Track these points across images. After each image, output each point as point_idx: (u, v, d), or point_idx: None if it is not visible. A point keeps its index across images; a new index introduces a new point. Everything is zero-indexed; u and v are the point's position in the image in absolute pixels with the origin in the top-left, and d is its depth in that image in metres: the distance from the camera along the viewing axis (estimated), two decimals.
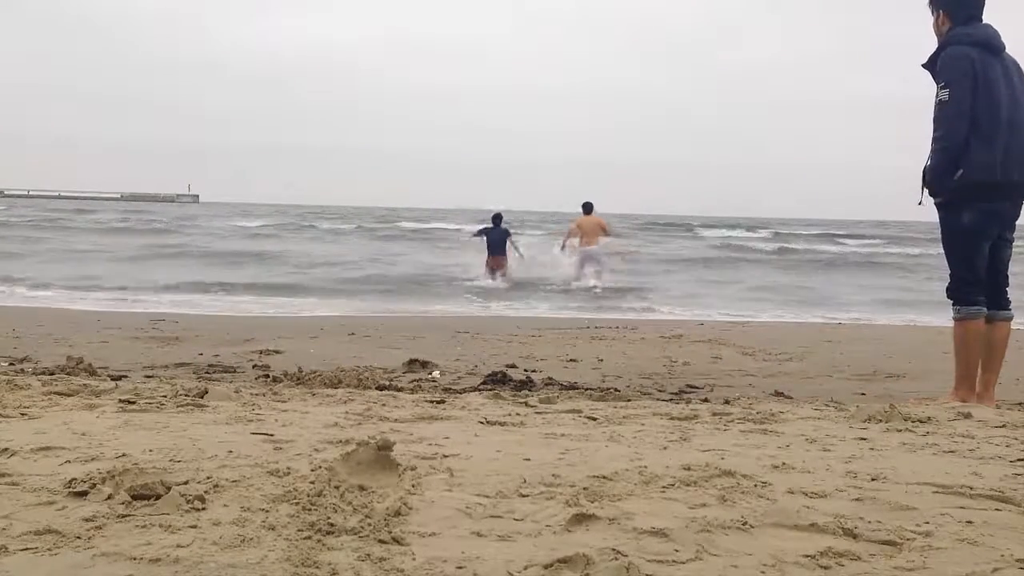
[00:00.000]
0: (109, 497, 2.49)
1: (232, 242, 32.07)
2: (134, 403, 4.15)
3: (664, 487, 2.79)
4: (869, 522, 2.48)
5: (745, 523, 2.43)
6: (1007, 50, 5.26)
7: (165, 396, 4.42)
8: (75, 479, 2.64)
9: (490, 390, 5.62)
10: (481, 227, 19.06)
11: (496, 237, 17.89)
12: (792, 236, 48.58)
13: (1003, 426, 4.20)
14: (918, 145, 5.46)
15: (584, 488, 2.73)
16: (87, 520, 2.33)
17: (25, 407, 3.99)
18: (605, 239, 17.74)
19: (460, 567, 2.06)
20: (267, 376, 6.22)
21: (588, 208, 17.53)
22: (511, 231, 18.40)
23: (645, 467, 3.05)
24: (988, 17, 5.31)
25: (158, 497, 2.47)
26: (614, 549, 2.17)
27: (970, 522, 2.52)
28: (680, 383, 6.55)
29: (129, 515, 2.38)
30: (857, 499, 2.73)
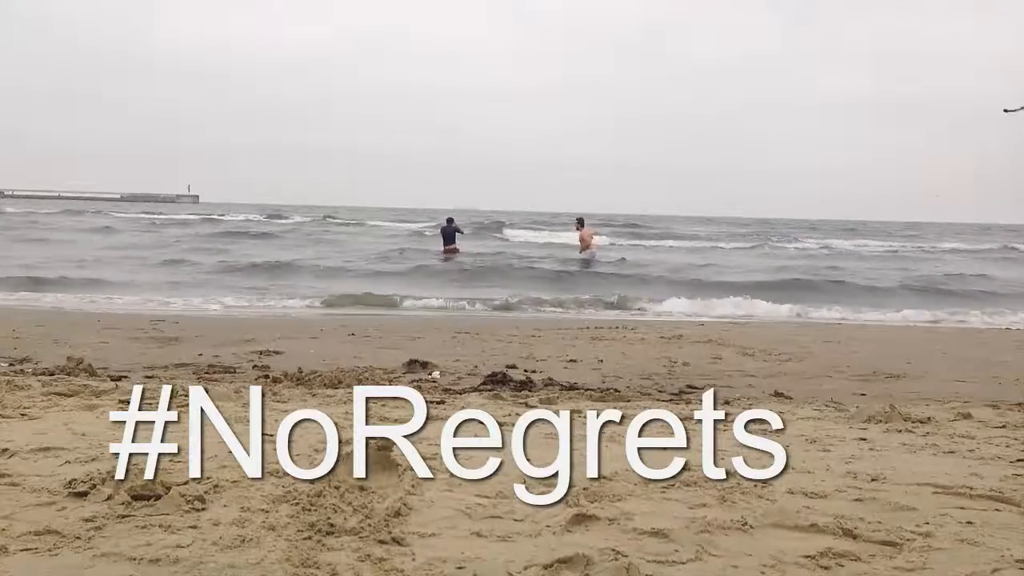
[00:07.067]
0: (109, 497, 2.49)
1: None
2: None
3: (664, 487, 2.79)
4: (869, 522, 2.48)
5: (745, 523, 2.43)
6: None
7: None
8: (75, 479, 2.64)
9: (490, 390, 5.62)
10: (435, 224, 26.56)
11: (448, 232, 23.44)
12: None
13: (1003, 426, 4.20)
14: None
15: (584, 488, 2.72)
16: (87, 520, 2.33)
17: (25, 407, 3.98)
18: (596, 242, 24.20)
19: (460, 567, 2.06)
20: (267, 376, 6.21)
21: (580, 223, 23.27)
22: (458, 227, 24.10)
23: None
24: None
25: (158, 497, 2.47)
26: (614, 549, 2.17)
27: (970, 522, 2.52)
28: (680, 383, 6.54)
29: (129, 515, 2.38)
30: (857, 499, 2.73)
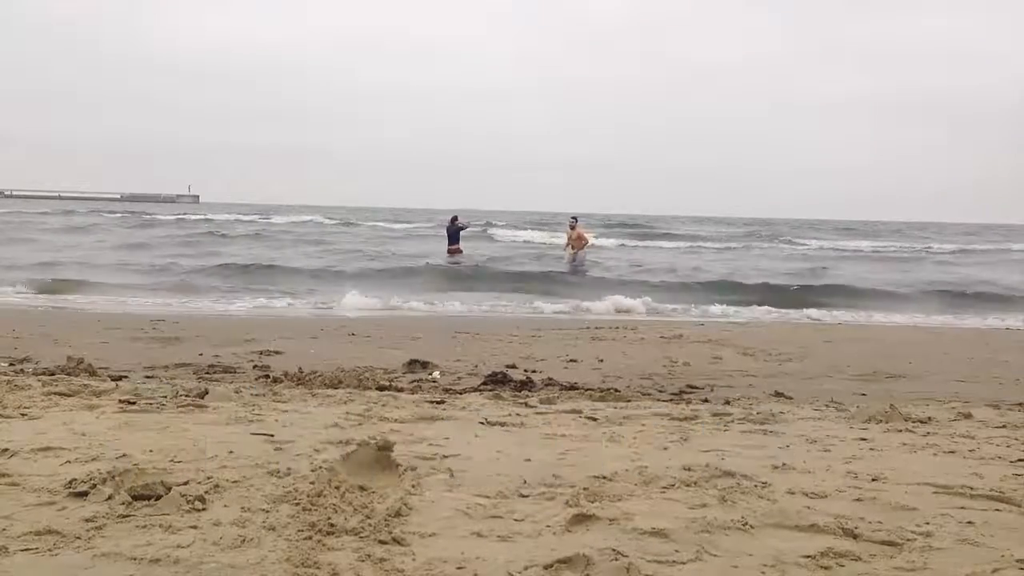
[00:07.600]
0: (109, 497, 2.49)
1: None
2: (134, 403, 4.15)
3: (664, 487, 2.80)
4: (869, 522, 2.48)
5: (745, 523, 2.43)
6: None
7: (165, 396, 4.42)
8: (75, 479, 2.64)
9: (490, 390, 5.61)
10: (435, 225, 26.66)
11: (453, 232, 23.17)
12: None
13: (1003, 426, 4.21)
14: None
15: (584, 488, 2.73)
16: (87, 520, 2.33)
17: (25, 407, 3.99)
18: (591, 242, 24.11)
19: (460, 567, 2.06)
20: (267, 376, 6.21)
21: (575, 221, 23.21)
22: (463, 226, 23.90)
23: (645, 467, 3.05)
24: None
25: (158, 497, 2.47)
26: (614, 549, 2.17)
27: (970, 522, 2.52)
28: (680, 383, 6.54)
29: (129, 515, 2.38)
30: (857, 499, 2.74)
